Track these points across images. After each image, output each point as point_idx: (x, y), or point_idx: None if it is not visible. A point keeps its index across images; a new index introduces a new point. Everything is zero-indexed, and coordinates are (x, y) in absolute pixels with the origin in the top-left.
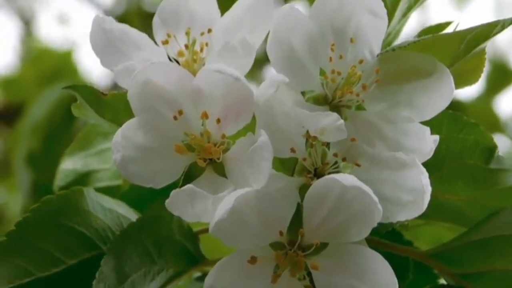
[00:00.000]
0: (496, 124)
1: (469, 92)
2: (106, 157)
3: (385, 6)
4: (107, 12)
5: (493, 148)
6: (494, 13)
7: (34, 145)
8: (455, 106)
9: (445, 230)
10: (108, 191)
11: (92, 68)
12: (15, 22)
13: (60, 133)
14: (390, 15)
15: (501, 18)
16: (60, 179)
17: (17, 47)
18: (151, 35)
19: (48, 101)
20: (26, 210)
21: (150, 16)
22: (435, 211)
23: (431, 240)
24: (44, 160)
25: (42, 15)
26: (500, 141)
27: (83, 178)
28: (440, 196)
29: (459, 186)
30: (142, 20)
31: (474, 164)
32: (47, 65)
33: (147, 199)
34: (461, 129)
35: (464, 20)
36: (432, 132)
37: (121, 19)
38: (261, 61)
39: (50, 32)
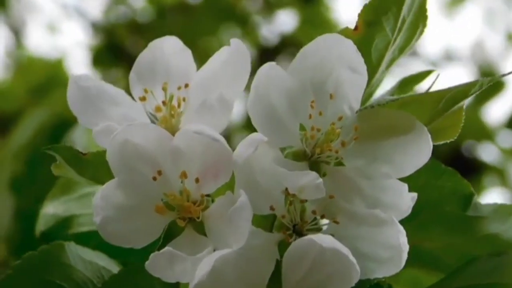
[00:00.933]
0: (485, 133)
1: None
2: (88, 202)
3: (370, 61)
4: (96, 23)
5: (470, 195)
6: (484, 21)
7: (17, 170)
8: None
9: (424, 274)
10: (89, 236)
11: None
12: (5, 32)
13: (43, 157)
14: (375, 70)
15: (490, 26)
16: (41, 224)
17: (7, 57)
18: (138, 49)
19: (30, 126)
20: (10, 237)
21: (139, 26)
22: (413, 257)
23: (411, 283)
24: (26, 185)
25: (31, 25)
26: (489, 149)
27: (64, 223)
28: (418, 243)
29: (436, 233)
30: (131, 31)
31: (451, 211)
32: (37, 75)
33: None
34: (439, 177)
35: (453, 28)
36: (410, 180)
37: (110, 30)
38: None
39: (40, 42)
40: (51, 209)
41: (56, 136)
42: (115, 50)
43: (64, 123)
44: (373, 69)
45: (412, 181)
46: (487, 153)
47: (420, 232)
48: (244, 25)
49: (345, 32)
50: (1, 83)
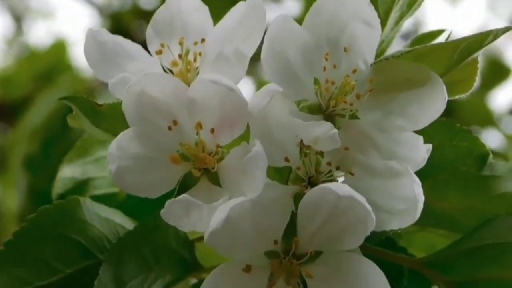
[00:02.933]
0: (489, 119)
1: None
2: (104, 164)
3: (378, 15)
4: (101, 9)
5: (486, 155)
6: (487, 7)
7: (32, 150)
8: (449, 101)
9: (439, 236)
10: (106, 198)
11: (85, 64)
12: (7, 18)
13: (57, 138)
14: (383, 23)
15: (493, 13)
16: (58, 187)
17: (10, 44)
18: (144, 33)
19: (46, 106)
20: (23, 216)
21: (144, 13)
22: (429, 218)
23: (425, 246)
24: (41, 164)
25: (34, 12)
26: (493, 135)
27: (81, 186)
28: (434, 204)
29: (452, 193)
30: (136, 17)
31: (467, 171)
32: (41, 61)
33: (144, 206)
34: (454, 136)
35: (457, 15)
36: (425, 140)
37: (116, 16)
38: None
39: (43, 28)
40: (68, 172)
41: None
42: (122, 35)
43: None
44: (381, 22)
45: (427, 140)
46: (492, 139)
47: (436, 192)
48: None
49: None
50: (6, 70)
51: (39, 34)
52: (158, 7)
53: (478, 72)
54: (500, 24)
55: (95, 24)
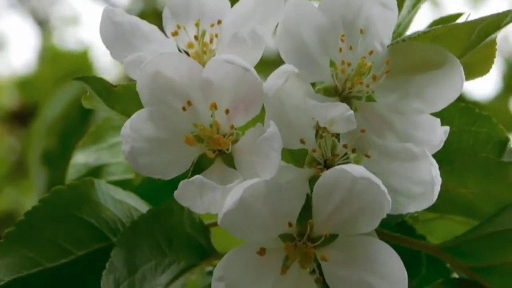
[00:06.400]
0: None
1: (486, 92)
2: (118, 151)
3: None
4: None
5: (505, 141)
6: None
7: (50, 144)
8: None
9: (458, 224)
10: (120, 185)
11: (108, 69)
12: (30, 23)
13: (75, 131)
14: (400, 6)
15: None
16: (72, 173)
17: (32, 48)
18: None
19: (62, 99)
20: None
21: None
22: (447, 205)
23: (444, 234)
24: (59, 158)
25: (56, 16)
26: None
27: (95, 172)
28: (452, 190)
29: (471, 180)
30: (158, 20)
31: (486, 157)
32: (63, 66)
33: (159, 193)
34: (473, 122)
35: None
36: (444, 125)
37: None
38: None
39: (65, 33)
40: (82, 158)
41: (88, 110)
42: None
43: None
44: (398, 4)
45: (445, 126)
46: None
47: (455, 178)
48: None
49: None
50: (26, 73)
51: (62, 38)
52: None
53: (496, 54)
54: None
55: None
